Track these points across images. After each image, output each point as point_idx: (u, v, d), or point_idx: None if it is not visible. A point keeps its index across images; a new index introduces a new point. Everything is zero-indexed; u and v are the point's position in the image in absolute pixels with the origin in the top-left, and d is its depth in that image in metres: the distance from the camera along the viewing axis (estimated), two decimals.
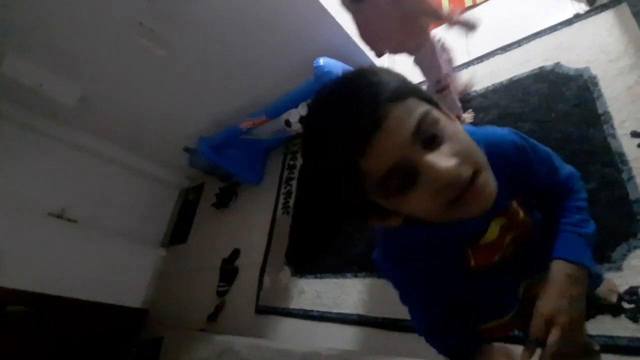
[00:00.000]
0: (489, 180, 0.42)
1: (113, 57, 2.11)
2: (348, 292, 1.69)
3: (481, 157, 0.43)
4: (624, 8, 1.40)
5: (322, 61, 1.75)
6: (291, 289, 1.95)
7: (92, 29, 1.91)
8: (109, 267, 2.83)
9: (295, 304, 1.88)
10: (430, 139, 0.39)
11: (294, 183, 2.44)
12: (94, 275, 2.72)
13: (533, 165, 0.61)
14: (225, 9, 1.78)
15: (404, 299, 0.66)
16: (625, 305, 1.00)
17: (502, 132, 0.62)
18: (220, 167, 2.61)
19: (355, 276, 1.70)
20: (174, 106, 2.57)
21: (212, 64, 2.14)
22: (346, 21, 1.86)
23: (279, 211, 2.41)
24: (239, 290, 2.33)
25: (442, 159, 0.38)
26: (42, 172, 2.76)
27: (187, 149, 2.87)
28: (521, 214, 0.61)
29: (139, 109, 2.61)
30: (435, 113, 0.41)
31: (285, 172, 2.57)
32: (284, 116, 2.30)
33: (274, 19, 1.83)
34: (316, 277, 1.88)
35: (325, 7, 1.75)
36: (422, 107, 0.40)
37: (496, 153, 0.50)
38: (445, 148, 0.39)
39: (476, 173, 0.40)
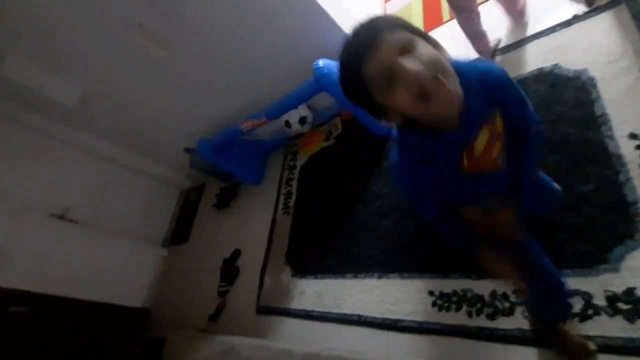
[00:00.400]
0: (450, 82, 0.57)
1: (113, 57, 2.12)
2: (348, 293, 1.70)
3: (447, 68, 0.59)
4: (623, 9, 1.40)
5: (321, 63, 1.76)
6: (292, 290, 1.97)
7: (92, 29, 1.92)
8: (110, 267, 2.85)
9: (296, 304, 1.90)
10: (404, 49, 0.57)
11: (294, 183, 2.45)
12: (95, 276, 2.74)
13: (510, 97, 0.77)
14: (226, 10, 1.78)
15: (411, 195, 0.85)
16: (622, 306, 1.01)
17: (494, 66, 0.79)
18: (221, 167, 2.62)
19: (355, 277, 1.71)
20: (174, 106, 2.58)
21: (212, 64, 2.15)
22: (345, 22, 1.87)
23: (280, 211, 2.43)
24: (240, 290, 2.34)
25: (410, 63, 0.56)
26: (44, 173, 2.77)
27: (187, 149, 2.88)
28: (499, 125, 0.76)
29: (139, 109, 2.62)
30: (417, 40, 0.59)
31: (286, 173, 2.58)
32: (284, 117, 2.30)
33: (274, 20, 1.84)
34: (316, 278, 1.89)
35: (325, 8, 1.76)
36: (408, 35, 0.59)
37: (482, 79, 0.70)
38: (415, 58, 0.56)
39: (438, 76, 0.56)
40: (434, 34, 2.15)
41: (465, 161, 0.73)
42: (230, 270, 2.43)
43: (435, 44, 0.63)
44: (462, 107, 0.61)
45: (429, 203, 0.85)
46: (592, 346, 1.01)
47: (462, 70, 0.62)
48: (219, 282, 2.43)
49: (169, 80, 2.31)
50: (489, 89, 0.71)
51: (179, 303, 2.78)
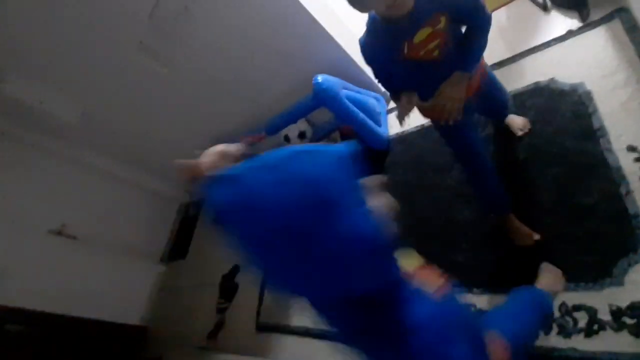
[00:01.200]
0: None
1: (114, 74, 2.14)
2: None
3: None
4: (617, 23, 1.42)
5: (320, 78, 1.78)
6: (292, 305, 1.94)
7: (92, 47, 1.94)
8: (108, 284, 2.81)
9: (297, 321, 1.86)
10: None
11: None
12: (93, 293, 2.69)
13: (460, 4, 0.94)
14: (226, 28, 1.81)
15: (371, 66, 1.10)
16: (628, 320, 1.00)
17: None
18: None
19: None
20: (174, 122, 2.59)
21: (212, 80, 2.17)
22: (344, 39, 1.90)
23: None
24: (239, 307, 2.31)
25: None
26: (42, 189, 2.76)
27: None
28: (442, 24, 0.93)
29: (139, 125, 2.63)
30: None
31: None
32: (283, 132, 2.31)
33: (274, 38, 1.87)
34: None
35: (324, 26, 1.79)
36: None
37: None
38: None
39: None
40: None
41: (405, 48, 0.96)
42: (229, 287, 2.39)
43: None
44: (411, 9, 0.88)
45: (382, 75, 1.13)
46: (536, 236, 1.22)
47: None
48: (217, 299, 2.39)
49: (169, 97, 2.33)
50: None
51: (177, 321, 2.73)
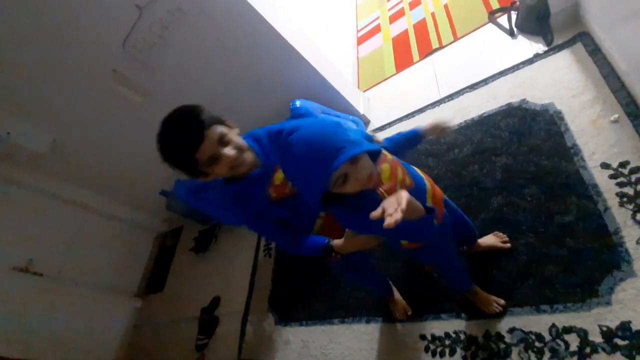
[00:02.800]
0: (247, 156, 0.93)
1: (86, 103, 2.07)
2: (336, 341, 1.59)
3: (245, 145, 0.94)
4: (579, 47, 1.49)
5: (298, 103, 1.76)
6: (276, 339, 1.83)
7: (63, 74, 1.88)
8: (77, 324, 2.61)
9: (281, 356, 1.76)
10: (225, 142, 0.89)
11: None
12: (61, 333, 2.49)
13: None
14: (202, 54, 1.80)
15: (258, 232, 1.15)
16: (619, 342, 0.97)
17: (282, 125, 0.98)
18: (198, 210, 2.52)
19: (343, 322, 1.62)
20: (150, 150, 2.49)
21: None
22: (320, 64, 1.92)
23: (261, 254, 2.33)
24: (220, 342, 2.17)
25: (229, 151, 0.89)
26: (7, 222, 2.58)
27: (163, 193, 2.78)
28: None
29: (113, 154, 2.54)
30: (225, 130, 0.91)
31: None
32: None
33: (251, 65, 1.87)
34: (302, 325, 1.77)
35: (301, 53, 1.80)
36: (220, 129, 0.89)
37: (271, 137, 1.04)
38: (230, 146, 0.90)
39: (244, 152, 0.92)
40: (406, 75, 2.24)
41: (271, 192, 0.98)
42: (209, 321, 2.26)
43: (228, 125, 0.95)
44: (259, 161, 0.97)
45: (265, 226, 1.05)
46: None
47: (256, 135, 1.04)
48: (197, 335, 2.25)
49: (145, 125, 2.23)
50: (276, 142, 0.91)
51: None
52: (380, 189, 0.83)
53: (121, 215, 3.17)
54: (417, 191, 0.88)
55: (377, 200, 0.78)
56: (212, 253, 2.76)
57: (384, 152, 0.89)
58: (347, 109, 2.11)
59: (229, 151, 0.87)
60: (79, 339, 2.57)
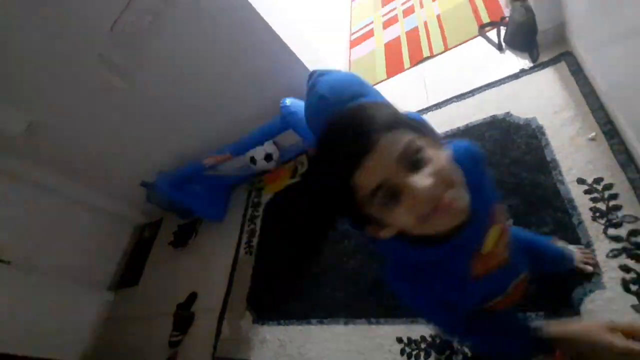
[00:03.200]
0: (459, 196, 0.48)
1: (67, 86, 2.00)
2: (313, 341, 1.59)
3: (456, 176, 0.49)
4: (563, 66, 1.55)
5: (288, 101, 1.77)
6: (252, 338, 1.82)
7: (44, 55, 1.81)
8: (46, 315, 2.50)
9: (257, 355, 1.74)
10: (413, 163, 0.46)
11: (259, 221, 2.36)
12: (28, 325, 2.38)
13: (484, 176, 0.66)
14: (193, 45, 1.77)
15: (427, 315, 0.73)
16: None
17: (466, 144, 0.66)
18: (180, 203, 2.48)
19: (321, 322, 1.62)
20: (132, 138, 2.45)
21: (175, 98, 2.09)
22: (313, 64, 1.92)
23: (242, 251, 2.30)
24: (194, 339, 2.13)
25: (420, 180, 0.45)
26: None
27: (144, 184, 2.71)
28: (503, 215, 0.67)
29: (93, 140, 2.46)
30: (419, 141, 0.47)
31: (250, 210, 2.49)
32: (250, 153, 2.26)
33: (243, 59, 1.85)
34: (279, 324, 1.77)
35: (293, 49, 1.80)
36: (408, 137, 0.46)
37: (471, 159, 0.61)
38: (424, 171, 0.46)
39: (451, 193, 0.46)
40: (396, 81, 2.27)
41: (473, 266, 0.62)
42: (184, 317, 2.22)
43: (435, 138, 0.52)
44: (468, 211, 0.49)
45: (453, 318, 0.68)
46: None
47: (458, 158, 0.52)
48: (171, 331, 2.20)
49: (128, 112, 2.21)
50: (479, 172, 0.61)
51: (125, 356, 2.47)
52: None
53: (97, 204, 3.06)
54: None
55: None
56: (192, 248, 2.71)
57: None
58: None
59: (417, 181, 0.45)
60: (46, 332, 2.46)
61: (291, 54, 1.82)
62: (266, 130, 1.98)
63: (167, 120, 2.27)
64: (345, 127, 0.49)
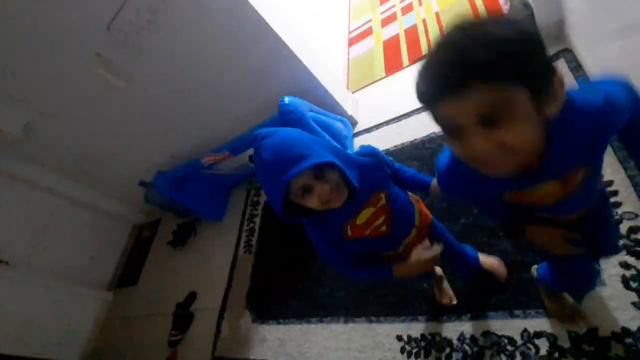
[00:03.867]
0: (509, 159, 0.48)
1: (66, 85, 1.99)
2: (313, 340, 1.59)
3: (524, 150, 0.47)
4: (562, 63, 1.55)
5: (287, 99, 1.76)
6: (252, 337, 1.81)
7: (42, 56, 1.80)
8: (45, 316, 2.50)
9: (256, 353, 1.74)
10: (489, 120, 0.43)
11: (258, 220, 2.35)
12: (27, 326, 2.38)
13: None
14: (191, 43, 1.76)
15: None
16: (586, 347, 1.01)
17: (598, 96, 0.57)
18: (178, 202, 2.47)
19: (321, 321, 1.62)
20: (131, 138, 2.44)
21: (174, 97, 2.08)
22: (310, 62, 1.91)
23: (241, 250, 2.30)
24: (194, 339, 2.13)
25: (482, 143, 0.45)
26: None
27: (142, 183, 2.70)
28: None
29: (91, 141, 2.45)
30: (518, 99, 0.42)
31: (249, 209, 2.49)
32: (248, 152, 2.25)
33: (241, 56, 1.84)
34: (279, 323, 1.76)
35: (291, 48, 1.79)
36: (502, 94, 0.41)
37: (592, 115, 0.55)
38: (498, 132, 0.44)
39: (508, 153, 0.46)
40: (395, 78, 2.27)
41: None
42: (183, 316, 2.21)
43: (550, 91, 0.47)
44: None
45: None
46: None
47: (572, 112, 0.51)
48: (170, 330, 2.19)
49: (126, 112, 2.20)
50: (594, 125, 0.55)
51: (124, 356, 2.47)
52: (348, 225, 0.83)
53: (96, 204, 3.05)
54: (392, 237, 0.90)
55: (338, 226, 0.83)
56: (190, 247, 2.70)
57: (381, 194, 0.84)
58: (336, 109, 2.11)
59: (480, 143, 0.47)
60: (45, 332, 2.46)
61: (290, 52, 1.81)
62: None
63: (166, 120, 2.26)
64: (452, 45, 0.44)
